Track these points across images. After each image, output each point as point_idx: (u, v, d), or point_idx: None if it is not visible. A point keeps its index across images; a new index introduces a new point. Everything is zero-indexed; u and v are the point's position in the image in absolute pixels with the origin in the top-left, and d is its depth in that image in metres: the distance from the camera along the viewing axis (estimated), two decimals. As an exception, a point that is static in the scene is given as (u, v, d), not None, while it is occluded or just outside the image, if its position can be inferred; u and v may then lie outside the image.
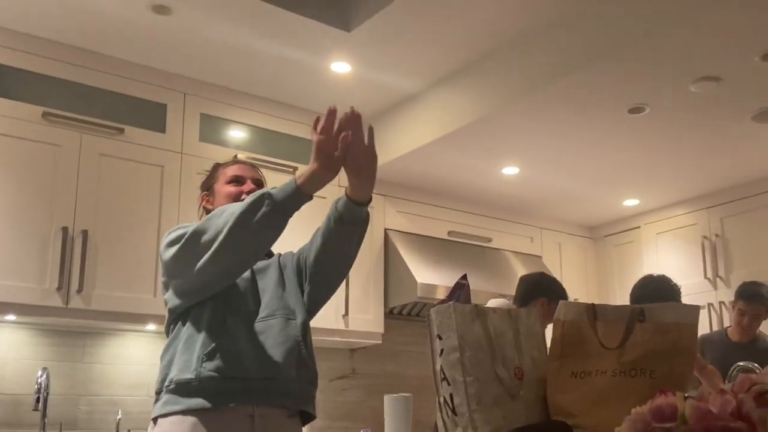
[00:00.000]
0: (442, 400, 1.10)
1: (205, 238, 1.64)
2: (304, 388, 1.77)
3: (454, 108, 3.66)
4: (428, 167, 4.11)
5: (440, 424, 1.11)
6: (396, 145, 3.97)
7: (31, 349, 3.31)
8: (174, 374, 1.68)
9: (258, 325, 1.73)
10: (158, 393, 1.73)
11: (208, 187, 1.98)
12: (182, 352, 1.69)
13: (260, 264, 1.85)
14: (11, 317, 3.14)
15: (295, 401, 1.75)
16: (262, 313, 1.76)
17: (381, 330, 4.09)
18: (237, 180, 1.93)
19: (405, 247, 4.19)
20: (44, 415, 3.11)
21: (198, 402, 1.64)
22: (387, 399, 2.88)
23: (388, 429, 2.85)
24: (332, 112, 1.61)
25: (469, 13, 3.13)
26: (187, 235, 1.68)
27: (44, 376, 3.09)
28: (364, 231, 1.79)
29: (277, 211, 1.60)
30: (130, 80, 3.51)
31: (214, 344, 1.67)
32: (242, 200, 1.77)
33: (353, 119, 1.62)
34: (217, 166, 2.02)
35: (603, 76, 3.13)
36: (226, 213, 1.64)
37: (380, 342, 4.11)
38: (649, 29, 2.83)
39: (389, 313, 4.20)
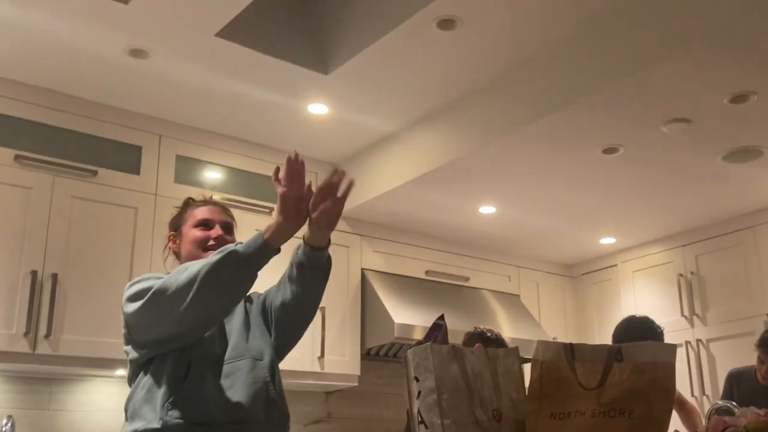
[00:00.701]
0: (419, 444, 1.08)
1: (172, 296, 1.58)
2: (274, 430, 1.72)
3: (431, 148, 3.69)
4: (405, 207, 4.11)
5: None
6: (373, 185, 3.97)
7: (-4, 396, 3.21)
8: (139, 426, 1.63)
9: (225, 368, 1.69)
10: None
11: (176, 227, 1.94)
12: (146, 402, 1.64)
13: None
14: (-23, 363, 3.05)
15: (266, 445, 1.70)
16: (228, 356, 1.72)
17: (357, 372, 4.03)
18: (205, 224, 1.88)
19: (382, 287, 4.16)
20: (9, 466, 3.00)
21: None
22: (364, 443, 2.82)
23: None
24: (290, 162, 1.59)
25: (444, 55, 3.17)
26: (151, 292, 1.62)
27: (9, 424, 2.99)
28: (327, 275, 1.76)
29: (244, 268, 1.57)
30: (105, 123, 3.48)
31: (178, 391, 1.62)
32: (209, 245, 1.75)
33: (340, 178, 1.59)
34: (186, 205, 1.97)
35: (577, 118, 3.17)
36: (193, 270, 1.58)
37: (357, 384, 4.05)
38: (620, 72, 2.89)
39: (366, 355, 4.15)
